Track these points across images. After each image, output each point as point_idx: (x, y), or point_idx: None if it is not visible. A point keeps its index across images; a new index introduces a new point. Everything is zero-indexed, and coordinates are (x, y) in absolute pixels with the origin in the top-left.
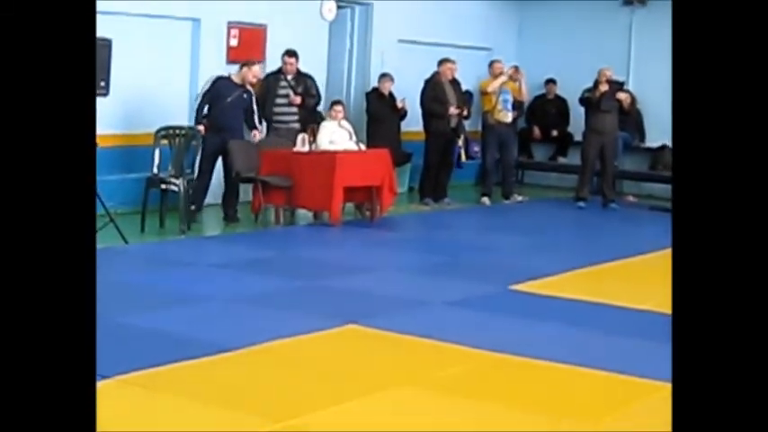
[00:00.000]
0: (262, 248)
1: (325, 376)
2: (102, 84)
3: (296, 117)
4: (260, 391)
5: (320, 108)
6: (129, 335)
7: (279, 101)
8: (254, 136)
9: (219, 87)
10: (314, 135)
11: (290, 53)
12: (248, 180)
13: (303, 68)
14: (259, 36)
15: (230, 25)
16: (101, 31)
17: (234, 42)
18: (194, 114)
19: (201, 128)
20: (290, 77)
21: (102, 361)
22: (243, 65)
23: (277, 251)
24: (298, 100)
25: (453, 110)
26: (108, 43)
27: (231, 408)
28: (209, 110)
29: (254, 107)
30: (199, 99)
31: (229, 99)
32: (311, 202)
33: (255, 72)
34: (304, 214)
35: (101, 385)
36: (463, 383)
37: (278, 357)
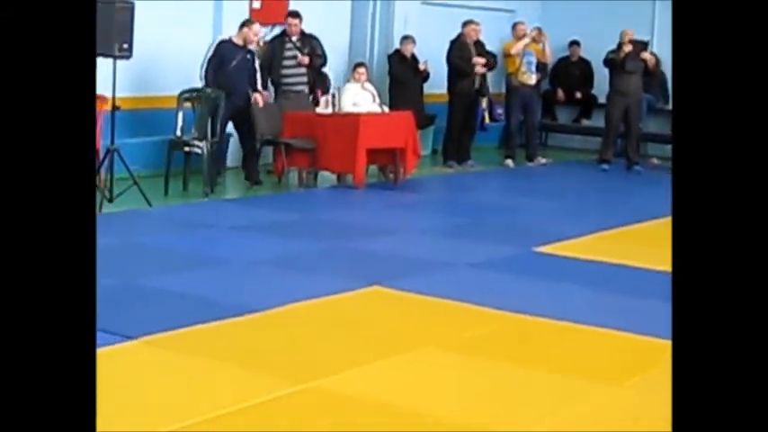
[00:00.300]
0: (285, 211)
1: (350, 338)
2: (125, 46)
3: (304, 79)
4: (284, 352)
5: (326, 69)
6: (152, 297)
7: (286, 63)
8: (256, 100)
9: (223, 51)
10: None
11: (293, 14)
12: (271, 143)
13: (325, 31)
14: None
15: None
16: None
17: (256, 4)
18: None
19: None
20: (295, 39)
21: (126, 322)
22: (242, 24)
23: (300, 213)
24: (306, 60)
25: (479, 59)
26: (131, 6)
27: (255, 369)
28: (215, 75)
29: (257, 67)
30: (204, 65)
31: (234, 62)
32: (334, 165)
33: (256, 30)
34: (327, 177)
35: (125, 346)
36: (486, 345)
37: (302, 319)
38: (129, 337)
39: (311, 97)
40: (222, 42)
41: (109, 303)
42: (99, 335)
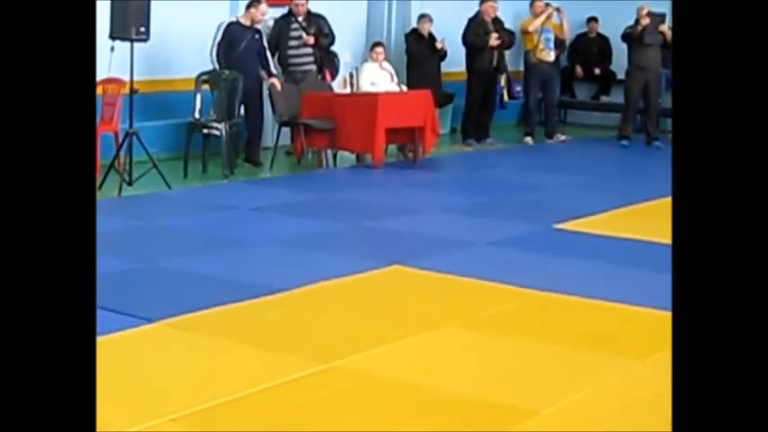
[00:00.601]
0: (305, 191)
1: (371, 317)
2: (143, 29)
3: (311, 59)
4: (306, 332)
5: (334, 48)
6: (173, 279)
7: (292, 43)
8: (274, 85)
9: (232, 33)
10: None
11: None
12: (290, 123)
13: (342, 11)
14: None
15: None
16: None
17: None
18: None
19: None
20: (300, 19)
21: (148, 305)
22: (249, 4)
23: (320, 194)
24: (311, 40)
25: (493, 35)
26: None
27: (277, 350)
28: (226, 57)
29: (265, 45)
30: (214, 49)
31: (243, 43)
32: (354, 145)
33: (263, 10)
34: (346, 156)
35: (146, 329)
36: (507, 322)
37: (323, 299)
38: (151, 320)
39: (320, 77)
40: (230, 24)
41: (130, 286)
42: (120, 318)
